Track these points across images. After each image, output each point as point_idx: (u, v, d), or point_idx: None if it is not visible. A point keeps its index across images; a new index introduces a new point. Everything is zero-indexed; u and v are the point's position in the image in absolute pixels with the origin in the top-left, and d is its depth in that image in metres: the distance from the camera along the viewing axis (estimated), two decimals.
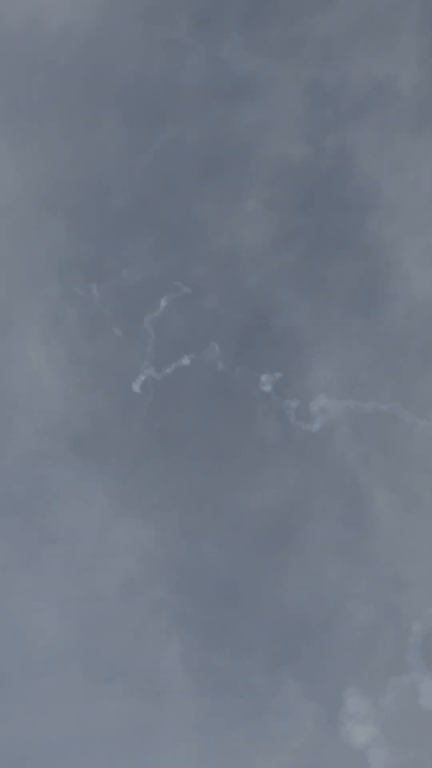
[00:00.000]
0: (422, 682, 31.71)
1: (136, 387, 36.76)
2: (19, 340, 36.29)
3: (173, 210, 39.27)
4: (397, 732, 31.59)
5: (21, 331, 36.35)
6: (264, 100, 39.27)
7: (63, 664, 32.83)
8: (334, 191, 38.27)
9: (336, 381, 35.35)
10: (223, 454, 35.79)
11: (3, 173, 38.10)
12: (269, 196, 38.89)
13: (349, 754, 31.51)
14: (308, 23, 38.14)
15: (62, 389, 36.16)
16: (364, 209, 37.85)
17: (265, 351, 36.81)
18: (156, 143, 39.88)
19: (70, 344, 36.93)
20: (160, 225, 39.35)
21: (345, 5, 38.22)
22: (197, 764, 31.54)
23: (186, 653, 32.98)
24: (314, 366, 36.02)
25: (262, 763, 31.53)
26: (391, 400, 35.22)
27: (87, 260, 38.56)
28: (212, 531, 34.82)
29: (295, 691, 32.36)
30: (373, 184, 37.92)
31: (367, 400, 35.34)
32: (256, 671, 32.67)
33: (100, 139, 40.14)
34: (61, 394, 36.13)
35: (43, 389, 36.22)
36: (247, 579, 33.67)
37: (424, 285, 36.92)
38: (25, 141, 38.52)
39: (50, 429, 35.51)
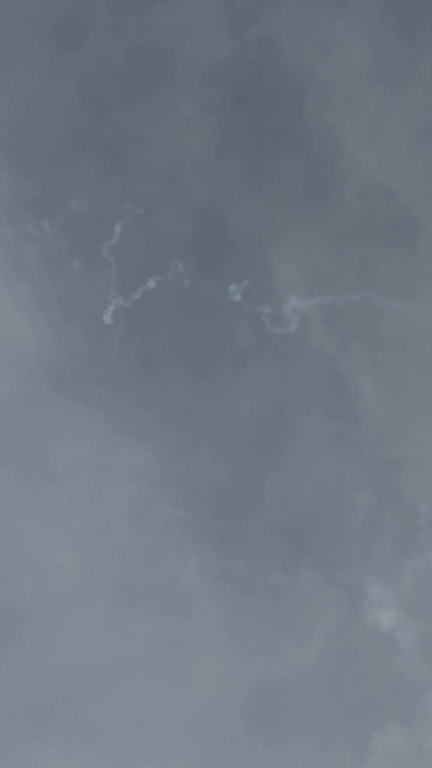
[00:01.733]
0: None
1: (107, 318, 38.33)
2: None
3: (109, 130, 40.23)
4: (422, 612, 34.85)
5: None
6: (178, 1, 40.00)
7: (86, 596, 35.33)
8: (266, 82, 39.47)
9: (303, 279, 37.25)
10: (204, 369, 37.88)
11: None
12: (202, 98, 39.98)
13: (377, 638, 34.75)
14: None
15: (34, 331, 37.68)
16: (299, 96, 39.16)
17: (228, 260, 38.50)
18: (78, 64, 40.52)
19: (33, 284, 38.29)
20: (99, 148, 40.34)
21: None
22: (230, 666, 34.60)
23: (203, 564, 35.70)
24: (279, 267, 37.79)
25: (293, 654, 34.68)
26: (361, 289, 37.41)
27: (33, 198, 39.53)
28: (206, 443, 37.21)
29: (314, 583, 35.36)
30: (304, 69, 39.12)
31: (338, 293, 37.48)
32: (272, 569, 35.55)
33: (18, 70, 40.61)
34: (33, 336, 37.63)
35: (15, 333, 37.69)
36: (248, 483, 36.24)
37: (371, 163, 38.55)
38: None
39: (30, 371, 37.16)
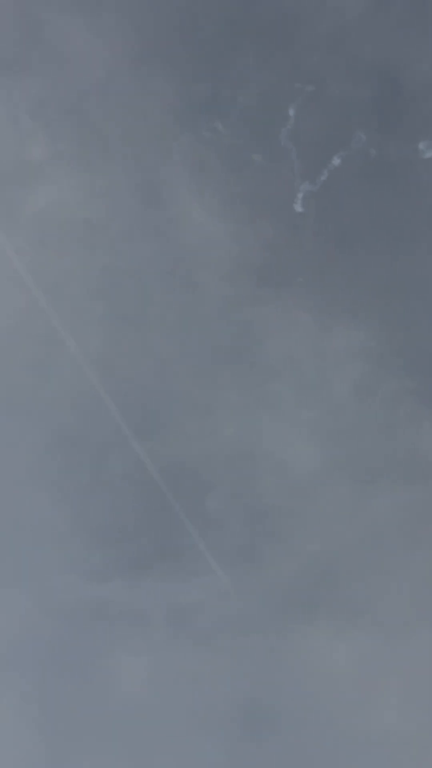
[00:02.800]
0: None
1: (297, 206, 38.62)
2: (171, 202, 38.80)
3: (263, 12, 39.88)
4: None
5: (169, 193, 38.73)
6: None
7: (328, 482, 36.68)
8: None
9: None
10: (405, 235, 37.59)
11: (89, 52, 39.70)
12: None
13: None
14: None
15: (226, 231, 38.63)
16: None
17: (411, 117, 37.67)
18: None
19: (218, 186, 39.17)
20: (257, 34, 40.19)
21: None
22: None
23: None
24: None
25: None
26: None
27: (201, 100, 40.05)
28: (421, 310, 37.09)
29: None
30: None
31: None
32: None
33: None
34: (227, 237, 38.63)
35: (209, 238, 38.82)
36: None
37: None
38: (96, 10, 39.84)
39: (230, 272, 38.24)
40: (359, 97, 38.08)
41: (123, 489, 37.44)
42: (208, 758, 34.72)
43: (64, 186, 39.18)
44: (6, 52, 39.81)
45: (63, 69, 39.93)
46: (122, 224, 39.50)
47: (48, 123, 39.42)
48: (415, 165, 36.99)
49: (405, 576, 35.77)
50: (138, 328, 38.74)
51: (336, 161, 37.83)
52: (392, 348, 36.74)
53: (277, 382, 37.45)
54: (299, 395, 37.15)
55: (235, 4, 39.36)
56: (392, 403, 36.48)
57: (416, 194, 37.06)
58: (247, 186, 38.97)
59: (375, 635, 35.50)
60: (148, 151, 39.92)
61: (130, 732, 35.25)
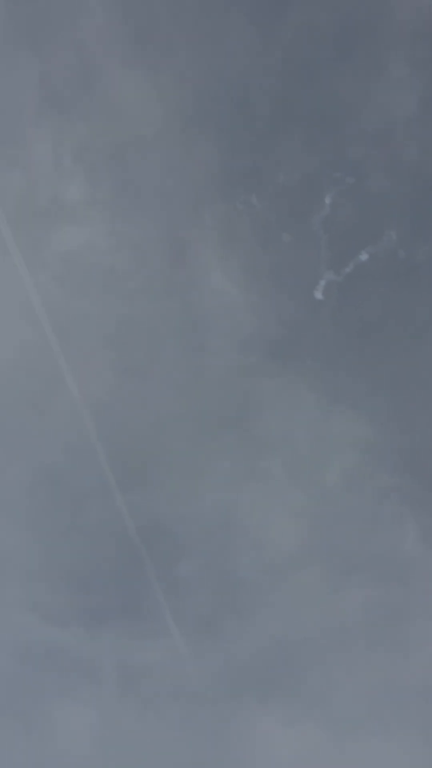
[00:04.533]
0: None
1: (318, 294, 40.65)
2: (196, 264, 40.99)
3: (316, 99, 42.53)
4: None
5: (195, 255, 40.96)
6: None
7: (303, 565, 38.06)
8: None
9: None
10: (419, 337, 39.66)
11: (142, 105, 42.35)
12: (410, 56, 41.37)
13: None
14: None
15: (246, 302, 40.74)
16: None
17: None
18: (283, 32, 43.12)
19: (244, 258, 41.27)
20: (307, 118, 42.64)
21: None
22: None
23: (423, 533, 37.67)
24: None
25: None
26: None
27: (241, 172, 42.32)
28: (423, 411, 39.06)
29: None
30: None
31: None
32: None
33: (226, 44, 43.81)
34: (245, 308, 40.76)
35: (228, 307, 40.93)
36: None
37: None
38: (157, 68, 42.61)
39: (243, 342, 40.24)
40: (396, 197, 40.13)
41: (97, 537, 38.71)
42: None
43: (95, 231, 41.28)
44: (61, 92, 42.20)
45: (113, 118, 42.27)
46: (145, 277, 41.49)
47: (89, 167, 41.66)
48: None
49: (364, 674, 36.91)
50: (142, 381, 40.49)
51: (363, 256, 39.85)
52: (387, 444, 38.46)
53: (269, 458, 39.07)
54: (289, 475, 38.73)
55: (292, 85, 41.78)
56: (379, 498, 38.09)
57: None
58: (272, 263, 41.02)
59: (326, 729, 36.45)
60: (182, 210, 42.12)
61: None
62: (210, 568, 38.11)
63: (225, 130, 42.76)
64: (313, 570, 37.64)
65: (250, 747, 36.52)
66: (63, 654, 37.32)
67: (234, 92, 42.70)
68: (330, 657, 37.12)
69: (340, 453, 38.73)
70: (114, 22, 41.91)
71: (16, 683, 36.80)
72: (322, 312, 40.26)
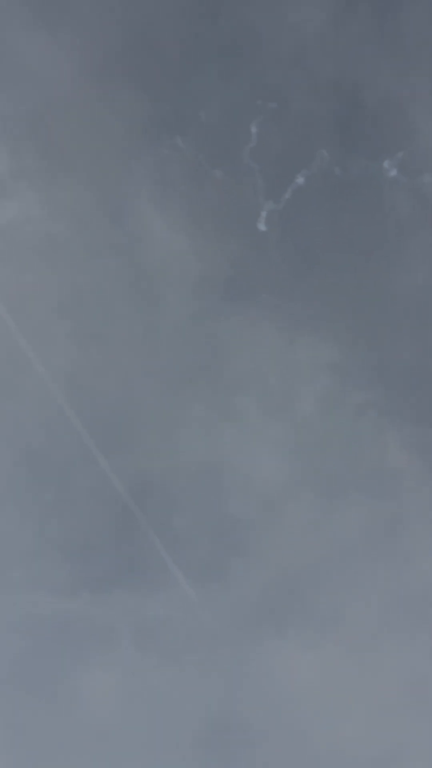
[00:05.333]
0: None
1: (261, 225, 41.02)
2: (134, 218, 41.24)
3: (224, 30, 42.40)
4: None
5: (132, 209, 41.17)
6: None
7: (294, 495, 39.21)
8: None
9: None
10: (369, 252, 40.36)
11: (52, 66, 42.11)
12: None
13: None
14: None
15: (192, 247, 41.11)
16: None
17: (375, 135, 40.38)
18: None
19: (181, 203, 41.51)
20: (218, 51, 42.63)
21: None
22: None
23: (404, 442, 38.88)
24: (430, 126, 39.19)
25: None
26: None
27: (161, 118, 42.38)
28: (384, 323, 39.97)
29: None
30: None
31: None
32: None
33: None
34: (192, 252, 41.15)
35: (175, 254, 41.31)
36: None
37: None
38: (60, 26, 42.24)
39: (196, 288, 40.75)
40: (322, 115, 40.47)
41: (89, 505, 39.50)
42: None
43: (27, 202, 41.31)
44: None
45: (24, 85, 42.07)
46: (86, 240, 41.69)
47: (10, 139, 41.51)
48: (379, 184, 39.49)
49: (371, 588, 38.28)
50: (103, 344, 40.95)
51: (300, 180, 40.16)
52: (356, 361, 39.37)
53: (242, 396, 39.85)
54: (264, 409, 39.59)
55: (198, 21, 41.65)
56: (357, 417, 39.11)
57: (381, 213, 39.62)
58: (210, 203, 41.30)
59: (343, 647, 37.89)
60: (110, 167, 42.21)
61: (98, 750, 37.18)
62: (204, 515, 39.12)
63: (139, 77, 42.86)
64: (304, 498, 38.79)
65: (274, 678, 38.05)
66: (77, 623, 38.29)
67: (141, 38, 42.62)
68: (335, 577, 38.44)
69: (311, 379, 39.70)
70: None
71: (36, 659, 37.87)
72: (269, 243, 40.74)
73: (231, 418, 39.67)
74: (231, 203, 40.84)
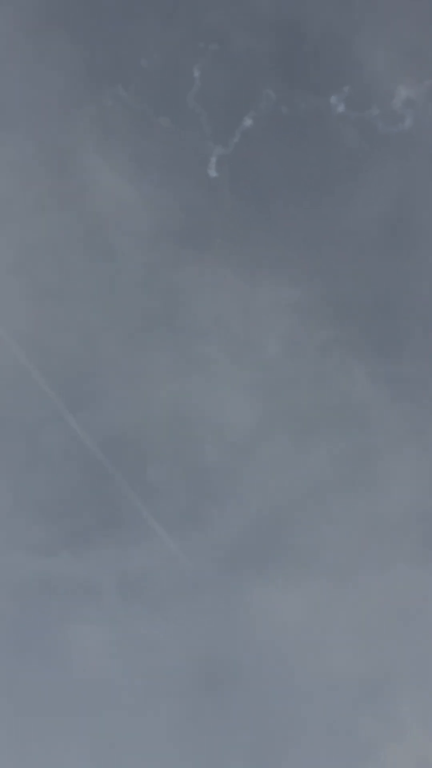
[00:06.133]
0: None
1: (211, 171, 41.09)
2: (82, 171, 41.19)
3: None
4: None
5: (79, 162, 41.08)
6: None
7: (266, 437, 40.16)
8: None
9: (406, 63, 39.19)
10: (322, 188, 40.88)
11: None
12: None
13: None
14: None
15: (143, 196, 41.24)
16: None
17: (319, 71, 40.68)
18: None
19: (129, 152, 41.52)
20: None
21: None
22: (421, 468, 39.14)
23: (371, 374, 39.91)
24: (376, 60, 39.68)
25: None
26: None
27: (101, 67, 42.14)
28: (341, 259, 40.73)
29: None
30: None
31: None
32: None
33: None
34: (144, 202, 41.28)
35: (127, 205, 41.40)
36: (393, 287, 39.77)
37: None
38: None
39: (150, 237, 40.95)
40: (265, 54, 40.57)
41: (61, 463, 39.84)
42: (171, 720, 37.71)
43: None
44: None
45: None
46: (34, 196, 41.53)
47: None
48: (327, 119, 39.88)
49: (347, 520, 39.44)
50: (60, 300, 41.02)
51: (247, 122, 40.26)
52: (317, 299, 40.13)
53: (206, 343, 40.39)
54: (230, 354, 40.15)
55: None
56: (322, 354, 39.96)
57: (331, 149, 40.15)
58: (158, 151, 41.26)
59: (324, 580, 39.05)
60: (53, 120, 41.96)
61: (92, 702, 37.90)
62: (178, 463, 39.76)
63: (75, 27, 42.63)
64: (276, 438, 39.60)
65: (259, 617, 38.93)
66: (59, 581, 38.68)
67: None
68: (311, 513, 39.48)
69: (273, 320, 40.32)
70: None
71: (23, 619, 38.25)
72: (221, 188, 41.00)
73: (196, 366, 40.22)
74: (179, 150, 41.09)
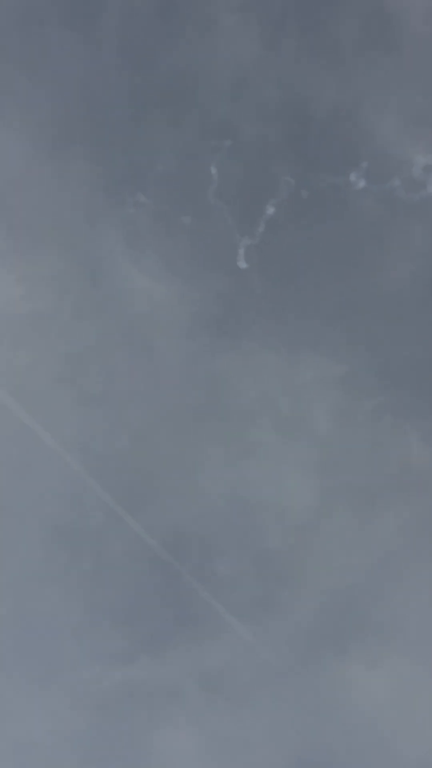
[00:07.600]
0: None
1: (241, 263, 42.59)
2: (114, 278, 42.84)
3: (162, 78, 44.23)
4: None
5: (110, 270, 42.81)
6: None
7: (329, 513, 40.37)
8: None
9: (419, 132, 40.76)
10: (354, 264, 42.14)
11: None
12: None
13: None
14: None
15: (176, 293, 42.69)
16: None
17: (334, 150, 42.37)
18: (102, 28, 45.03)
19: (157, 255, 43.16)
20: (161, 101, 44.48)
21: None
22: None
23: (425, 435, 40.24)
24: (387, 131, 41.27)
25: None
26: None
27: (119, 178, 44.10)
28: (381, 328, 41.68)
29: None
30: None
31: None
32: None
33: (52, 63, 45.44)
34: (177, 299, 42.75)
35: (159, 303, 42.90)
36: None
37: None
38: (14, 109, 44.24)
39: (188, 330, 42.25)
40: (278, 141, 42.40)
41: (127, 568, 40.32)
42: None
43: (5, 283, 42.83)
44: None
45: None
46: (71, 308, 43.21)
47: None
48: (350, 197, 41.62)
49: (424, 590, 39.25)
50: (107, 405, 42.16)
51: (270, 210, 41.80)
52: (360, 368, 40.85)
53: (258, 428, 41.11)
54: (280, 434, 40.82)
55: (135, 75, 43.60)
56: (373, 422, 40.46)
57: (356, 224, 41.42)
58: (185, 249, 42.92)
59: (408, 656, 38.70)
60: (80, 234, 43.92)
61: None
62: (243, 552, 40.07)
63: (89, 143, 44.66)
64: (339, 513, 39.95)
65: (346, 700, 38.52)
66: (140, 688, 38.70)
67: (82, 102, 44.44)
68: (385, 587, 39.30)
69: (320, 395, 41.03)
70: None
71: (107, 731, 38.15)
72: (251, 277, 42.34)
73: (250, 451, 40.75)
74: (206, 246, 42.46)
